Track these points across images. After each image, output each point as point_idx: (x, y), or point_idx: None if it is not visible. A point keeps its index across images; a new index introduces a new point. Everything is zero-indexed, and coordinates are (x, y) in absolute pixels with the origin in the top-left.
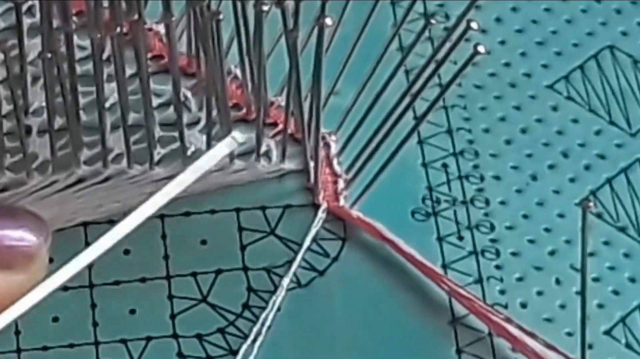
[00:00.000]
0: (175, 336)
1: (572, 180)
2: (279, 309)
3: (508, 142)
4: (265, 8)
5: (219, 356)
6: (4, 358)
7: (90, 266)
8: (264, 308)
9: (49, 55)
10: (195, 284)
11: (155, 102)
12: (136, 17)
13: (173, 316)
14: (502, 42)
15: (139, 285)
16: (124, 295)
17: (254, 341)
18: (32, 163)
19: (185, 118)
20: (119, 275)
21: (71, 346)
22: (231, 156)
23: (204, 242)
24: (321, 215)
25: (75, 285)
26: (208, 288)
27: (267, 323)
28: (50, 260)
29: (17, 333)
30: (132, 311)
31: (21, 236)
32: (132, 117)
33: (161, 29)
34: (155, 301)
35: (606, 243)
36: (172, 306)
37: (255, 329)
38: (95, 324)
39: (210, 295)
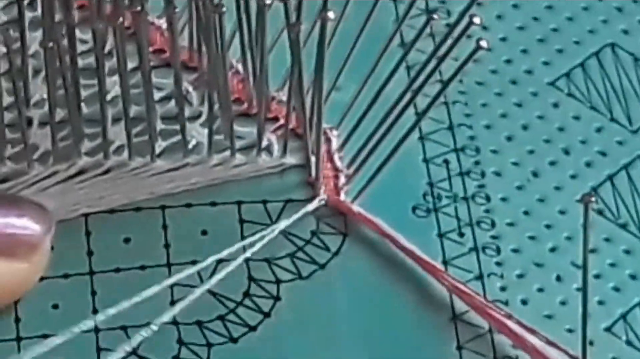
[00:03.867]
0: (175, 323)
1: (573, 177)
2: (279, 299)
3: (509, 139)
4: (267, 2)
5: (219, 343)
6: (4, 346)
7: (90, 254)
8: (264, 297)
9: (50, 44)
10: (196, 272)
11: (157, 95)
12: (139, 8)
13: (173, 303)
14: (504, 39)
15: (139, 273)
16: (123, 281)
17: (254, 329)
18: (33, 153)
19: (187, 112)
20: (119, 263)
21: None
22: (232, 150)
23: (204, 233)
24: (322, 209)
25: (76, 273)
26: (208, 277)
27: (267, 312)
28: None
29: (17, 320)
30: None
31: (25, 225)
32: (133, 109)
33: (163, 23)
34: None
35: (607, 239)
36: (172, 293)
37: (255, 318)
38: (95, 311)
39: (211, 282)
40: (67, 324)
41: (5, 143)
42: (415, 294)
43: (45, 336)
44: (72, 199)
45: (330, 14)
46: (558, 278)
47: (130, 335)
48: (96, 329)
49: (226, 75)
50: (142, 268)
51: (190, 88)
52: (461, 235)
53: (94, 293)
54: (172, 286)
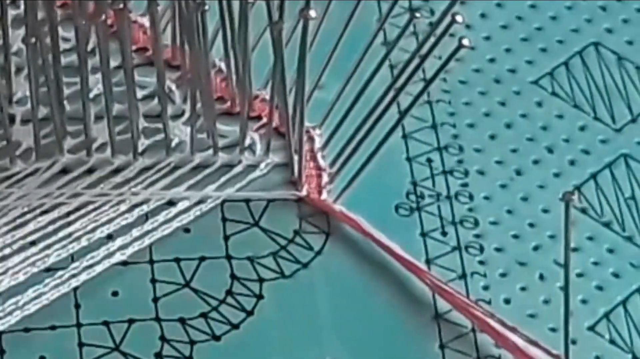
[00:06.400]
0: (158, 319)
1: (556, 175)
2: (262, 297)
3: (492, 137)
4: (250, 0)
5: (202, 341)
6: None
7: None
8: (247, 296)
9: (33, 40)
10: (179, 269)
11: (140, 93)
12: (121, 6)
13: (156, 300)
14: (487, 38)
15: (121, 268)
16: (106, 277)
17: (237, 327)
18: (15, 150)
19: (170, 110)
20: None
21: (53, 328)
22: (215, 149)
23: (187, 230)
24: (305, 208)
25: (56, 267)
26: (191, 274)
27: (250, 310)
28: (33, 243)
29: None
30: (115, 293)
31: None
32: (116, 107)
33: (145, 21)
34: (138, 284)
35: (590, 238)
36: (154, 289)
37: (238, 316)
38: (77, 306)
39: (194, 280)
40: (48, 319)
41: None
42: (397, 293)
43: (27, 331)
44: None
45: (312, 13)
46: (541, 277)
47: (113, 330)
48: (78, 324)
49: (209, 73)
50: (125, 263)
51: (173, 87)
52: (444, 234)
53: (75, 288)
54: (154, 283)
